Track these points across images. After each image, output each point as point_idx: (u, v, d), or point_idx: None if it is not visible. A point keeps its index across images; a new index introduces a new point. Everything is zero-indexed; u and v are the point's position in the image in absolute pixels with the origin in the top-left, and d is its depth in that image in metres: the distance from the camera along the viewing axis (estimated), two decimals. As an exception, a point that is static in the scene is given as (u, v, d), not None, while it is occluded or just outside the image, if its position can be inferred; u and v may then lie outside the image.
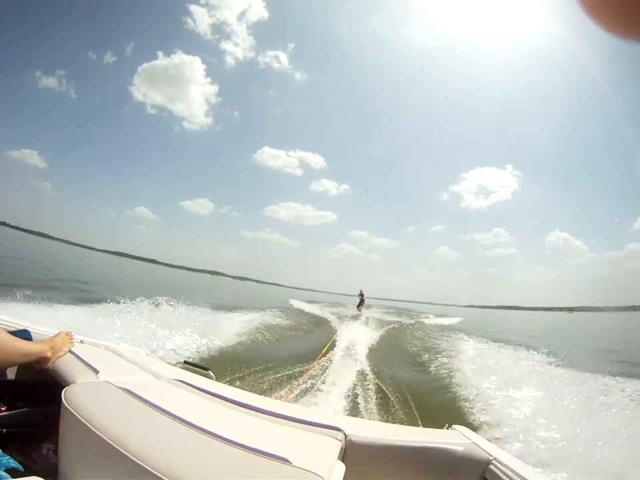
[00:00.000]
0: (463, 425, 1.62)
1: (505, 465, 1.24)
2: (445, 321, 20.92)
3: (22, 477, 0.92)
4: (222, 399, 1.46)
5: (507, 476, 1.19)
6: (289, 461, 0.89)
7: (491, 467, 1.26)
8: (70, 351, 1.60)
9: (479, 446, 1.35)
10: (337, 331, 12.18)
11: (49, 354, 1.47)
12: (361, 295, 21.69)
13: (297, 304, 21.40)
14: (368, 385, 6.11)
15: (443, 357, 8.87)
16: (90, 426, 0.92)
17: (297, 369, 6.38)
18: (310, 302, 24.18)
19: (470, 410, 5.14)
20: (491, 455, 1.30)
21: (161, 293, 9.20)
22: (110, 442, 0.87)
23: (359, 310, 20.56)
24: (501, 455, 1.33)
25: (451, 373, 7.10)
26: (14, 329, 1.57)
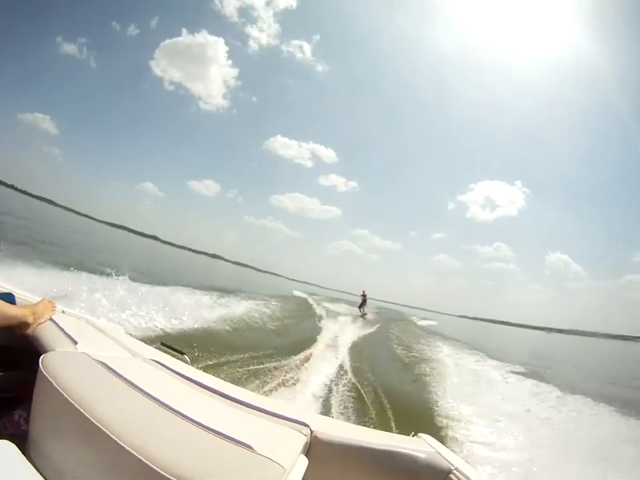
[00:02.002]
0: (428, 434, 1.70)
1: (465, 476, 1.30)
2: (425, 322, 26.36)
3: None
4: (194, 383, 1.49)
5: None
6: (252, 448, 0.92)
7: (452, 476, 1.32)
8: (51, 319, 1.59)
9: (442, 455, 1.41)
10: (323, 326, 12.47)
11: (30, 319, 1.47)
12: (364, 295, 21.20)
13: (298, 294, 23.77)
14: (344, 380, 6.43)
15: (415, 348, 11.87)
16: (65, 394, 0.93)
17: (277, 362, 6.38)
18: (309, 294, 26.05)
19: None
20: (452, 465, 1.35)
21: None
22: (83, 412, 0.88)
23: (361, 311, 20.22)
24: (462, 465, 1.38)
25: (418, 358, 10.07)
26: None
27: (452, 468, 1.35)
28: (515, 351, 19.11)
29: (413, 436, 1.70)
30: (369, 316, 19.78)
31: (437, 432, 4.68)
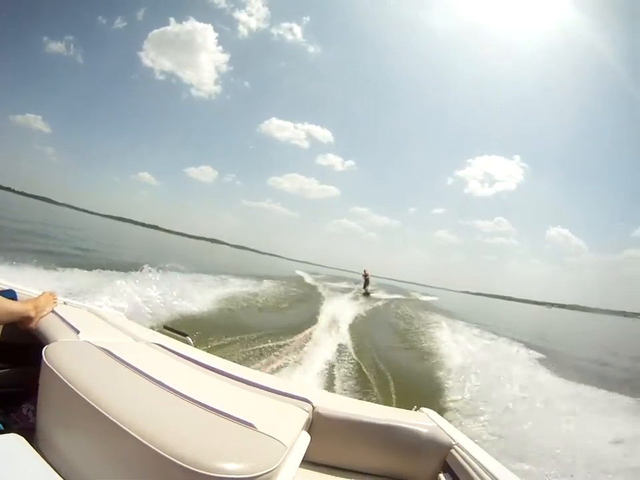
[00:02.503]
0: (430, 408, 1.72)
1: (466, 451, 1.30)
2: (427, 298, 27.74)
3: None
4: (197, 364, 1.50)
5: (467, 462, 1.24)
6: (253, 426, 0.93)
7: (453, 451, 1.33)
8: (53, 311, 1.61)
9: (443, 430, 1.42)
10: (325, 304, 12.45)
11: (32, 313, 1.48)
12: (365, 274, 20.93)
13: (300, 274, 24.22)
14: (346, 354, 6.57)
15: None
16: (68, 383, 0.93)
17: (279, 341, 6.44)
18: (311, 274, 26.71)
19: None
20: (454, 440, 1.36)
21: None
22: (87, 400, 0.88)
23: (366, 289, 20.06)
24: (464, 440, 1.38)
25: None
26: None
27: (453, 443, 1.35)
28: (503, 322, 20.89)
29: (415, 410, 1.72)
30: (373, 294, 19.87)
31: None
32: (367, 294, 19.33)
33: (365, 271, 21.06)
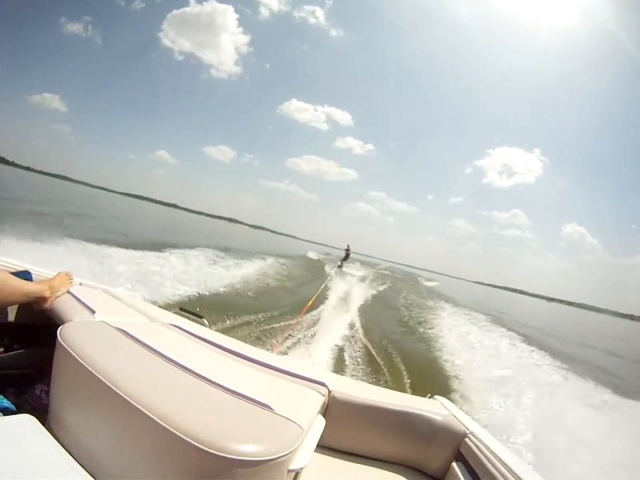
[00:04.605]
0: (444, 396, 1.70)
1: (480, 441, 1.29)
2: (428, 283, 30.30)
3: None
4: (213, 345, 1.50)
5: (481, 451, 1.23)
6: (270, 408, 0.93)
7: (467, 440, 1.32)
8: (68, 292, 1.60)
9: (457, 418, 1.41)
10: (334, 286, 12.49)
11: (47, 293, 1.49)
12: (347, 249, 21.03)
13: (311, 255, 26.15)
14: (354, 332, 6.96)
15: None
16: (83, 363, 0.92)
17: (290, 320, 6.58)
18: (324, 254, 29.23)
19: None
20: (468, 429, 1.35)
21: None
22: (102, 379, 0.88)
23: (341, 264, 19.84)
24: (477, 429, 1.37)
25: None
26: (15, 270, 1.59)
27: (467, 432, 1.35)
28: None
29: (429, 398, 1.72)
30: (359, 274, 19.60)
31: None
32: (340, 267, 19.18)
33: (347, 246, 21.16)
